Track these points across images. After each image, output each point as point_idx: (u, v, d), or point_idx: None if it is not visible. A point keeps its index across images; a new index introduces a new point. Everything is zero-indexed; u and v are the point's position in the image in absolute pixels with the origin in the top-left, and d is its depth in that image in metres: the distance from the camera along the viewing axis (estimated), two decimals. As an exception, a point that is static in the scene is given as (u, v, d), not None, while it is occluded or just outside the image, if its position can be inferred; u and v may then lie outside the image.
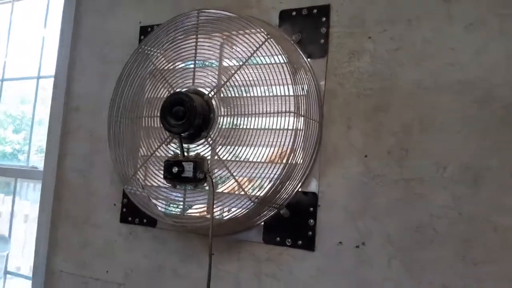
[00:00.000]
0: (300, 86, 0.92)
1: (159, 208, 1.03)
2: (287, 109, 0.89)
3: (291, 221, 0.97)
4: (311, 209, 0.96)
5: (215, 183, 0.94)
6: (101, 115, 1.26)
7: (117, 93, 1.09)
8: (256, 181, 0.96)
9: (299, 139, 0.91)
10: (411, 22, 0.92)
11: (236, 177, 0.92)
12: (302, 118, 0.92)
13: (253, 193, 0.92)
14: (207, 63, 1.06)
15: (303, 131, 0.92)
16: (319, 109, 0.97)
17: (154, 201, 1.02)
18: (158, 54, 1.06)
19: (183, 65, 1.04)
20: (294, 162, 0.92)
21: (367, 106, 0.94)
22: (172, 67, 1.03)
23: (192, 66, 1.01)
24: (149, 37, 1.07)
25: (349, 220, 0.92)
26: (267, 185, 0.91)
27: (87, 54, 1.35)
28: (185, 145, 0.99)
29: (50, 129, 1.36)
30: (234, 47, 1.01)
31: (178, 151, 0.98)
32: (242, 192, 0.91)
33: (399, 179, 0.89)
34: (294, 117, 0.89)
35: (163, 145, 1.01)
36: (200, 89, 0.99)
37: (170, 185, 0.98)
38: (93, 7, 1.37)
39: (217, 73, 0.99)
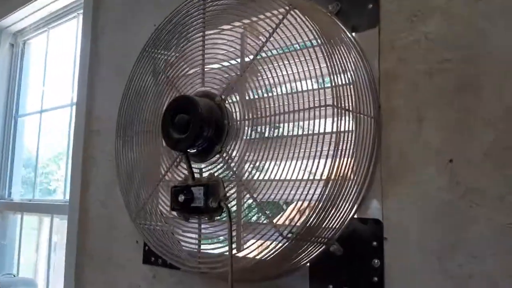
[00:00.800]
0: (340, 69, 0.64)
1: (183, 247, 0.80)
2: (322, 103, 0.62)
3: (346, 262, 0.69)
4: (375, 243, 0.66)
5: (233, 211, 0.69)
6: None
7: (122, 106, 0.91)
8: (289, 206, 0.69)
9: (347, 144, 0.63)
10: (503, -47, 0.60)
11: (259, 202, 0.66)
12: (348, 113, 0.64)
13: (287, 223, 0.66)
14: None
15: (352, 133, 0.65)
16: (373, 99, 0.68)
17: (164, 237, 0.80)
18: (163, 56, 0.85)
19: (191, 70, 0.82)
20: (342, 177, 0.64)
21: (445, 87, 0.63)
22: (178, 69, 0.82)
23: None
24: (152, 37, 0.87)
25: (432, 259, 0.61)
26: (304, 213, 0.64)
27: (106, 71, 1.20)
28: (197, 165, 0.76)
29: (74, 157, 1.22)
30: (260, 37, 0.76)
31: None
32: (266, 221, 0.65)
33: (506, 194, 0.57)
34: (334, 114, 0.61)
35: (173, 167, 0.79)
36: (213, 90, 0.76)
37: (181, 217, 0.75)
38: (109, 20, 1.23)
39: (232, 71, 0.75)
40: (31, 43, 1.82)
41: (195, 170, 0.75)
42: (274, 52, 0.70)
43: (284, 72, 0.68)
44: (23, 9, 1.61)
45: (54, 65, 1.73)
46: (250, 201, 0.68)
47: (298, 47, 0.69)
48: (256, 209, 0.67)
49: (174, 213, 0.76)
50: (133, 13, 1.16)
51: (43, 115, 1.73)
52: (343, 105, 0.63)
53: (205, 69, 0.78)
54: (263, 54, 0.70)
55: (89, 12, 1.25)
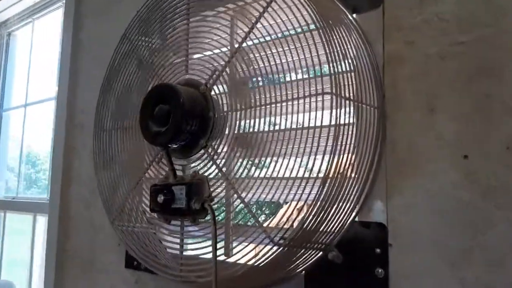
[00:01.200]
0: (339, 55, 0.57)
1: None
2: (319, 91, 0.54)
3: (346, 270, 0.61)
4: (378, 250, 0.59)
5: (219, 213, 0.62)
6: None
7: (101, 98, 0.83)
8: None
9: (347, 137, 0.56)
10: None
11: (248, 202, 0.58)
12: (349, 103, 0.56)
13: (279, 228, 0.58)
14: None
15: (353, 125, 0.57)
16: (376, 87, 0.61)
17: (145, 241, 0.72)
18: (145, 43, 0.78)
19: (174, 56, 0.74)
20: (341, 175, 0.57)
21: (459, 71, 0.55)
22: (160, 55, 0.74)
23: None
24: (133, 21, 0.80)
25: (445, 269, 0.54)
26: (298, 216, 0.56)
27: (89, 62, 1.12)
28: (181, 162, 0.69)
29: (55, 153, 1.14)
30: (253, 20, 0.68)
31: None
32: (258, 226, 0.57)
33: (535, 193, 0.49)
34: (333, 104, 0.54)
35: (154, 163, 0.72)
36: (197, 78, 0.68)
37: (161, 220, 0.67)
38: (92, 6, 1.15)
39: (220, 58, 0.67)
40: (17, 35, 1.74)
41: (177, 167, 0.67)
42: (267, 37, 0.62)
43: (277, 60, 0.60)
44: (6, -2, 1.53)
45: (41, 57, 1.65)
46: (238, 201, 0.60)
47: (294, 31, 0.62)
48: (244, 210, 0.59)
49: (155, 214, 0.69)
50: (117, -1, 1.08)
51: (38, 109, 1.65)
52: (343, 93, 0.55)
53: (190, 55, 0.70)
54: (253, 37, 0.62)
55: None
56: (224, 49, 0.67)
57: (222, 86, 0.65)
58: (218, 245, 0.63)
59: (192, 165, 0.67)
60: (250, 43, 0.63)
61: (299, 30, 0.60)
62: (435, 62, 0.57)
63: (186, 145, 0.66)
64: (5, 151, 1.71)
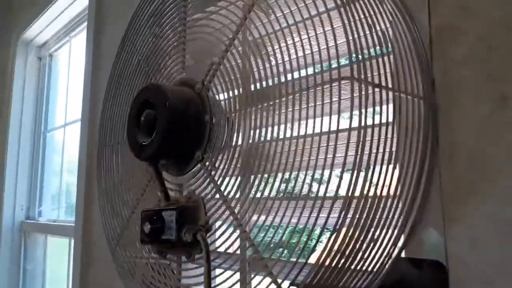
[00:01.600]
0: (361, 24, 0.41)
1: None
2: (333, 76, 0.39)
3: (389, 326, 0.44)
4: (434, 300, 0.41)
5: (212, 248, 0.48)
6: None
7: (105, 109, 0.74)
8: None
9: (378, 141, 0.40)
10: None
11: (249, 232, 0.44)
12: (381, 92, 0.40)
13: (291, 265, 0.42)
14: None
15: (387, 125, 0.41)
16: (422, 71, 0.44)
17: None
18: (142, 42, 0.67)
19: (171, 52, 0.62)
20: (375, 193, 0.41)
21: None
22: (157, 53, 0.63)
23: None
24: (132, 22, 0.70)
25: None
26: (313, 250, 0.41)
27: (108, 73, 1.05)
28: (177, 180, 0.56)
29: (79, 174, 1.08)
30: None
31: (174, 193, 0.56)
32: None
33: None
34: (354, 93, 0.38)
35: (151, 182, 0.60)
36: (193, 76, 0.56)
37: (155, 252, 0.55)
38: (112, 13, 1.08)
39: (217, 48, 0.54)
40: (59, 55, 1.76)
41: (173, 187, 0.55)
42: (274, 21, 0.48)
43: (285, 56, 0.45)
44: (42, 18, 1.53)
45: (79, 76, 1.64)
46: (239, 231, 0.46)
47: (306, 11, 0.47)
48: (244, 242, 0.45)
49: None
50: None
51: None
52: (369, 79, 0.39)
53: (186, 50, 0.58)
54: (258, 23, 0.48)
55: (92, 10, 1.12)
56: (224, 39, 0.54)
57: (220, 83, 0.52)
58: (234, 278, 0.50)
59: (191, 183, 0.55)
60: (256, 33, 0.49)
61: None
62: (502, 33, 0.40)
63: (180, 159, 0.53)
64: (50, 173, 1.71)
